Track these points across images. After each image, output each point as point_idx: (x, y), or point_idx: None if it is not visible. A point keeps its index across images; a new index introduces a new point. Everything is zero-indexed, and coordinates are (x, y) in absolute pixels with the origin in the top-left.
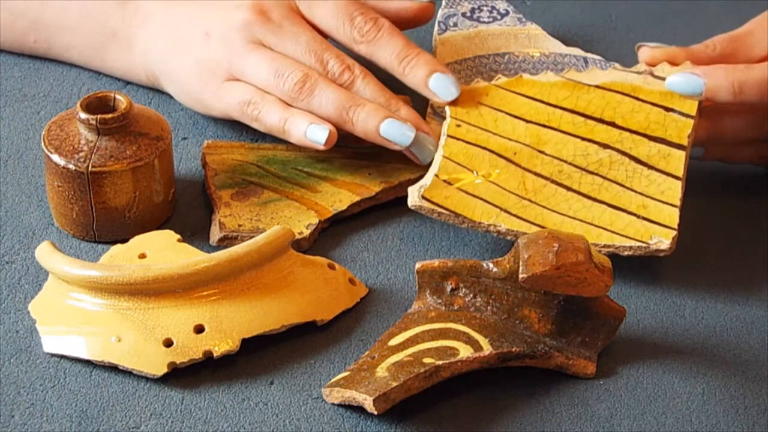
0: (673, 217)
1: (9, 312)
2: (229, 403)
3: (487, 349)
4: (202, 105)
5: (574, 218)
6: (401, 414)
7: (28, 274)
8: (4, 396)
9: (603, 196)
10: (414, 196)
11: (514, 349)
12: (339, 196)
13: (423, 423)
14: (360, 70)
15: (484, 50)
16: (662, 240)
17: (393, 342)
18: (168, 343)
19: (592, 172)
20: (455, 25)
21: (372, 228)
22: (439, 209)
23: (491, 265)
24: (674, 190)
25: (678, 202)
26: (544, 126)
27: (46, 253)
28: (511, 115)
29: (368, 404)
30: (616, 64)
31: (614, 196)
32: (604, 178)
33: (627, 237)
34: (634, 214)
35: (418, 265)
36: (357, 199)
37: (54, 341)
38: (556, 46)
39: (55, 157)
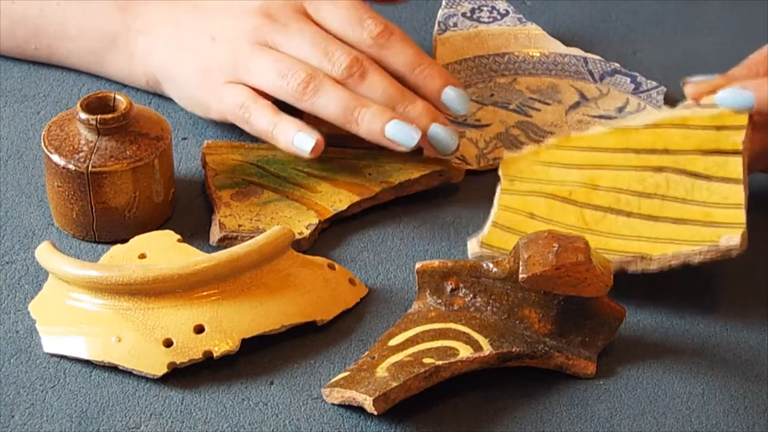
0: (738, 215)
1: (9, 312)
2: (229, 403)
3: (487, 349)
4: (203, 108)
5: (639, 238)
6: (401, 414)
7: (28, 274)
8: (4, 396)
9: (666, 214)
10: (474, 247)
11: (514, 349)
12: (339, 196)
13: (423, 423)
14: (369, 63)
15: (483, 50)
16: (731, 237)
17: (393, 342)
18: (168, 344)
19: (651, 195)
20: (455, 25)
21: (372, 228)
22: (501, 253)
23: (491, 265)
24: (737, 193)
25: (742, 202)
26: (597, 167)
27: (46, 253)
28: (563, 165)
29: (368, 404)
30: (664, 107)
31: (676, 211)
32: (664, 197)
33: (695, 242)
34: (700, 223)
35: (418, 265)
36: (357, 199)
37: (54, 341)
38: (556, 46)
39: (55, 158)
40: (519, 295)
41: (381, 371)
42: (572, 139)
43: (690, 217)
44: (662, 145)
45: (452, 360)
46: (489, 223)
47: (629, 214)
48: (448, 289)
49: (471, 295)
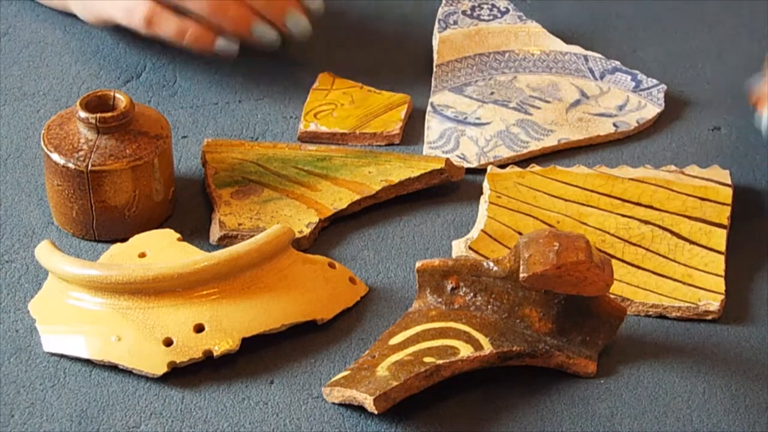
0: (719, 284)
1: (9, 311)
2: (229, 403)
3: (488, 348)
4: (90, 13)
5: (620, 281)
6: (401, 413)
7: (27, 273)
8: (3, 395)
9: (647, 265)
10: (460, 248)
11: (514, 348)
12: (339, 194)
13: (423, 422)
14: None
15: (484, 48)
16: (710, 302)
17: (393, 341)
18: (168, 343)
19: (634, 244)
20: (455, 23)
21: (372, 227)
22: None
23: (491, 264)
24: (717, 263)
25: (722, 273)
26: (584, 204)
27: (45, 252)
28: (549, 194)
29: (369, 404)
30: (647, 165)
31: (658, 265)
32: (647, 249)
33: (675, 299)
34: (680, 281)
35: (418, 264)
36: (357, 197)
37: (54, 340)
38: (557, 44)
39: (55, 156)
40: (519, 294)
41: (381, 370)
42: (557, 171)
43: (671, 274)
44: (647, 201)
45: (453, 359)
46: (478, 228)
47: (612, 257)
48: (449, 287)
49: (471, 294)
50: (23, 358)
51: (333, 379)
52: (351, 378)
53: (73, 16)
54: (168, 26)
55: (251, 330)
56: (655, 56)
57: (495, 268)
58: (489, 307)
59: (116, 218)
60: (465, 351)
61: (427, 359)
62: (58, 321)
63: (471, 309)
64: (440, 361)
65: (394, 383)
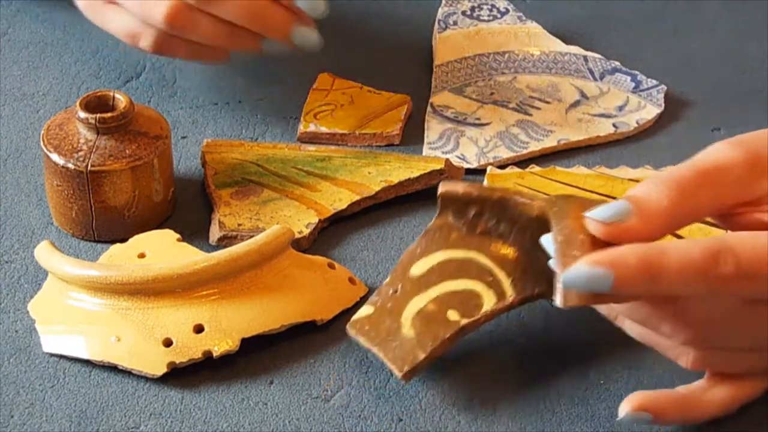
0: None
1: (8, 312)
2: (228, 403)
3: (510, 295)
4: (94, 24)
5: None
6: (401, 414)
7: (27, 274)
8: (3, 396)
9: None
10: None
11: (536, 291)
12: (339, 195)
13: (423, 422)
14: None
15: (484, 48)
16: None
17: (415, 271)
18: (167, 343)
19: None
20: (455, 23)
21: (372, 227)
22: None
23: (519, 201)
24: None
25: None
26: None
27: (45, 253)
28: (549, 195)
29: (397, 376)
30: (648, 166)
31: None
32: None
33: None
34: None
35: (441, 189)
36: (357, 198)
37: (53, 341)
38: (556, 45)
39: (54, 157)
40: (544, 232)
41: (406, 327)
42: (557, 172)
43: None
44: None
45: (476, 317)
46: None
47: None
48: (471, 213)
49: (494, 221)
50: (23, 358)
51: (357, 317)
52: (375, 324)
53: (74, 14)
54: (199, 29)
55: (251, 330)
56: (655, 56)
57: (523, 205)
58: (512, 235)
59: (116, 219)
60: (488, 302)
61: (451, 315)
62: (58, 321)
63: (493, 236)
64: (464, 321)
65: (422, 355)
